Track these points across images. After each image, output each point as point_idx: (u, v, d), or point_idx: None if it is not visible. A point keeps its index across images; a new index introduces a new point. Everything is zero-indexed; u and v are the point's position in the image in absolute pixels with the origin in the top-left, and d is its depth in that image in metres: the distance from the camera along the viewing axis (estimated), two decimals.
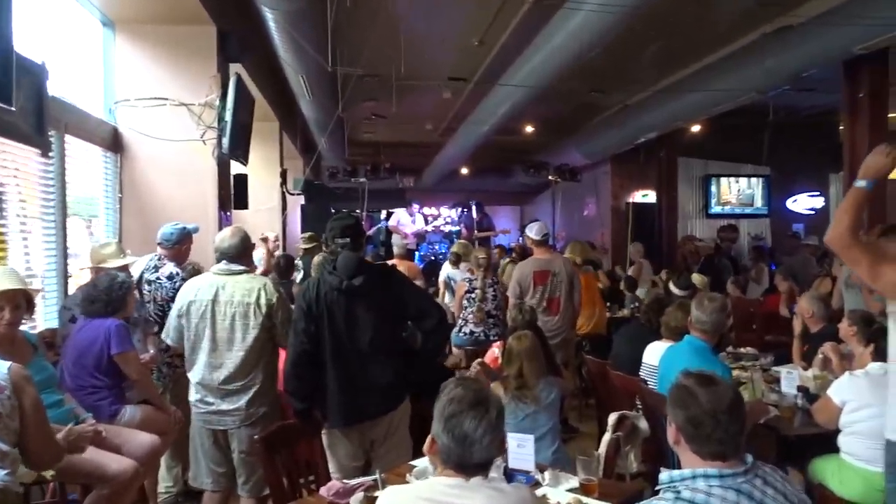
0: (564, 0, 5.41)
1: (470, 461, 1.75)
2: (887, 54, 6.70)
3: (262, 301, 3.24)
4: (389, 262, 7.37)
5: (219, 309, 3.24)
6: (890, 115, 7.69)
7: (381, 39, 7.04)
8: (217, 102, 5.37)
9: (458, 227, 14.21)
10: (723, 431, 1.78)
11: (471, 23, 7.30)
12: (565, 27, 5.61)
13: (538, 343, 3.56)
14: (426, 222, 14.13)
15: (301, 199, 11.00)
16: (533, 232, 5.67)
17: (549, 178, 11.58)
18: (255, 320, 3.23)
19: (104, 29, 5.37)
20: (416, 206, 13.28)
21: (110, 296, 3.46)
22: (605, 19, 5.03)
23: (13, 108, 2.90)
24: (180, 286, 3.96)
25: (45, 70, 3.87)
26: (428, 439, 1.82)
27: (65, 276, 4.44)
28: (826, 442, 3.29)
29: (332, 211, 12.03)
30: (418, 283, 7.02)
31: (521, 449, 2.58)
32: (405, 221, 12.82)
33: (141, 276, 4.11)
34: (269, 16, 5.35)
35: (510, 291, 5.58)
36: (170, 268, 4.13)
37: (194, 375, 3.29)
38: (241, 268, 3.33)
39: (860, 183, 2.42)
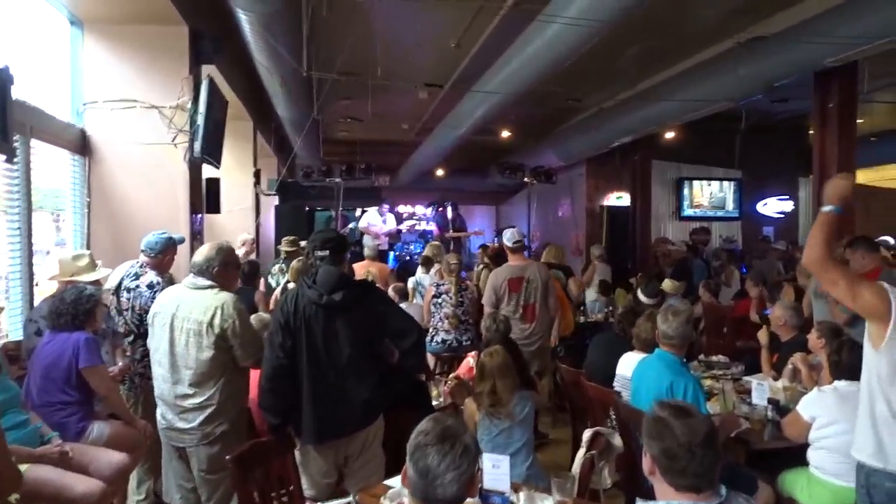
0: (542, 6, 5.41)
1: (434, 496, 1.72)
2: (857, 66, 6.83)
3: (216, 322, 3.17)
4: (361, 264, 7.37)
5: (177, 324, 3.19)
6: (858, 121, 7.86)
7: (358, 41, 6.98)
8: (189, 105, 5.26)
9: (432, 228, 14.19)
10: (697, 465, 1.78)
11: (448, 25, 7.26)
12: (541, 35, 5.61)
13: (510, 358, 3.54)
14: (399, 221, 14.07)
15: (275, 200, 10.88)
16: (506, 238, 5.66)
17: (525, 179, 11.59)
18: (208, 339, 3.16)
19: (72, 28, 5.23)
20: (386, 207, 13.21)
21: (77, 309, 3.38)
22: (580, 31, 5.04)
23: None
24: None
25: (8, 74, 3.75)
26: (403, 469, 1.80)
27: (30, 286, 4.32)
28: (796, 454, 3.34)
29: (307, 209, 11.99)
30: (390, 284, 7.01)
31: (496, 469, 2.57)
32: (375, 222, 12.74)
33: (120, 283, 4.03)
34: (244, 17, 5.25)
35: (485, 300, 5.55)
36: (151, 276, 4.05)
37: (156, 388, 3.25)
38: (207, 283, 3.25)
39: (827, 207, 2.46)
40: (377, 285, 4.20)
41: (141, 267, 4.10)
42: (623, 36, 6.78)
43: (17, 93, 3.89)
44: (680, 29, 7.32)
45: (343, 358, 3.00)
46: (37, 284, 4.39)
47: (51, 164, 4.84)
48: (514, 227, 6.12)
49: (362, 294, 3.12)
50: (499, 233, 14.30)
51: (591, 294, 8.46)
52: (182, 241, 4.38)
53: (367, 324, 3.07)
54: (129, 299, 3.99)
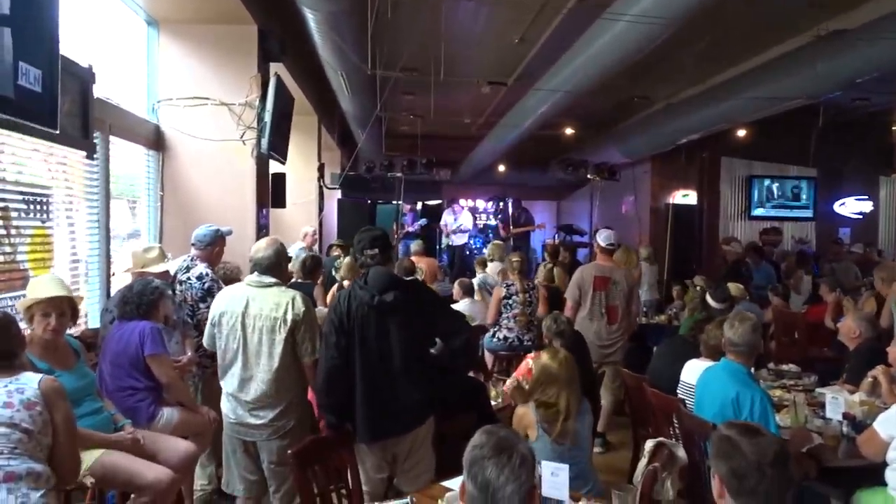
0: (608, 2, 5.29)
1: None
2: None
3: (289, 317, 3.22)
4: (410, 258, 7.40)
5: (248, 322, 3.24)
6: None
7: (422, 38, 6.99)
8: (257, 102, 5.39)
9: (494, 222, 14.14)
10: (768, 484, 1.71)
11: (512, 21, 7.19)
12: (607, 32, 5.48)
13: (576, 366, 3.31)
14: (474, 218, 14.14)
15: (338, 193, 11.06)
16: (601, 238, 5.67)
17: (588, 176, 11.41)
18: (281, 335, 3.22)
19: (148, 28, 5.43)
20: (457, 206, 13.32)
21: (141, 300, 3.52)
22: (646, 29, 4.90)
23: (57, 131, 2.93)
24: (209, 287, 4.03)
25: (90, 73, 3.94)
26: (459, 485, 1.78)
27: (107, 277, 4.53)
28: (874, 471, 3.18)
29: (369, 202, 12.15)
30: (438, 278, 6.99)
31: (554, 478, 2.53)
32: (448, 221, 12.94)
33: (174, 277, 4.17)
34: (310, 16, 5.34)
35: (568, 293, 5.61)
36: (200, 268, 4.18)
37: (227, 386, 3.32)
38: (273, 280, 3.32)
39: None
40: (425, 281, 4.20)
41: (192, 260, 4.23)
42: (692, 30, 6.56)
43: (97, 91, 4.07)
44: (752, 23, 7.02)
45: (395, 358, 3.02)
46: (113, 275, 4.59)
47: (127, 159, 5.04)
48: (610, 228, 6.06)
49: (413, 294, 3.13)
50: (560, 229, 14.14)
51: (643, 293, 8.28)
52: (230, 233, 4.49)
53: (418, 324, 3.08)
54: (181, 292, 4.13)
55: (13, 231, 3.51)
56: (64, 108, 3.28)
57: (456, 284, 6.67)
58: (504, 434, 1.76)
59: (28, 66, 2.34)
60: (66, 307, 2.92)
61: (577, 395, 3.17)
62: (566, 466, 2.53)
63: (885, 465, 3.08)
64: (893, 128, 10.73)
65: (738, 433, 1.78)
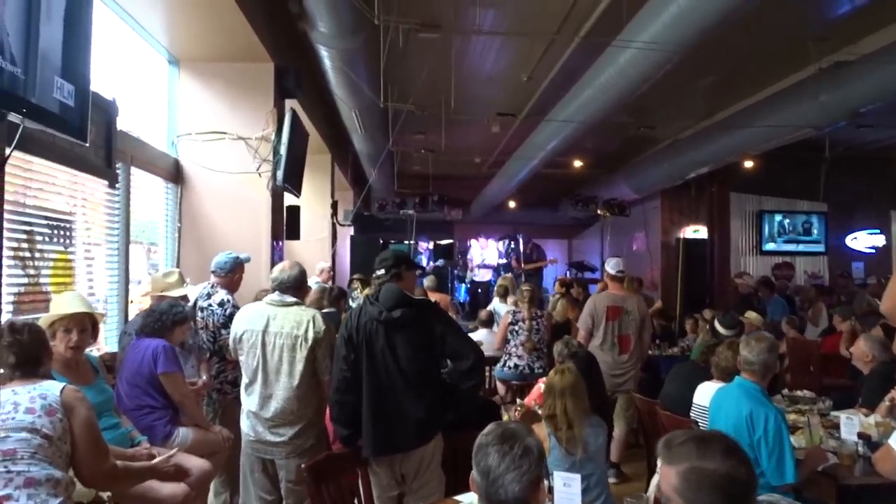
0: (612, 38, 5.46)
1: (496, 497, 1.72)
2: None
3: (310, 334, 3.29)
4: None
5: (269, 339, 3.31)
6: None
7: (432, 75, 7.19)
8: (273, 136, 5.55)
9: (505, 261, 14.24)
10: None
11: (520, 59, 7.40)
12: (614, 63, 5.63)
13: (582, 379, 3.38)
14: (500, 255, 14.34)
15: (351, 230, 11.20)
16: (610, 266, 5.68)
17: (598, 212, 11.49)
18: (301, 353, 3.28)
19: (170, 66, 5.64)
20: (485, 241, 13.54)
21: (163, 319, 3.59)
22: (653, 57, 5.04)
23: (87, 144, 3.07)
24: (231, 313, 4.09)
25: (115, 106, 4.10)
26: (471, 473, 1.82)
27: (126, 302, 4.61)
28: (890, 492, 3.14)
29: (381, 242, 12.29)
30: (451, 314, 7.08)
31: (567, 488, 2.54)
32: (474, 255, 13.15)
33: (195, 304, 4.25)
34: (325, 54, 5.54)
35: (581, 323, 5.61)
36: (221, 295, 4.25)
37: (248, 404, 3.36)
38: (294, 299, 3.40)
39: None
40: None
41: (212, 287, 4.31)
42: (698, 65, 6.74)
43: (121, 124, 4.23)
44: (756, 57, 7.19)
45: (401, 373, 3.05)
46: (131, 302, 4.68)
47: (147, 191, 5.18)
48: (620, 256, 6.10)
49: (422, 312, 3.16)
50: (571, 266, 14.18)
51: None
52: (248, 260, 4.58)
53: (425, 342, 3.10)
54: (203, 318, 4.20)
55: (37, 255, 3.62)
56: (90, 138, 3.42)
57: (480, 314, 6.80)
58: (513, 426, 1.80)
59: (63, 80, 2.47)
60: (87, 323, 3.00)
61: (580, 405, 3.23)
62: (578, 476, 2.54)
63: None
64: None
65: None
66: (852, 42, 6.54)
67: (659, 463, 1.61)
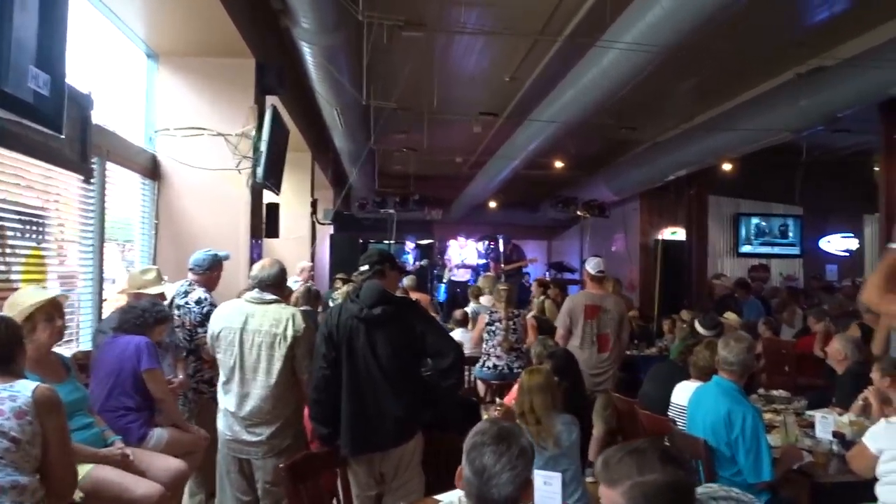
0: (595, 39, 5.48)
1: (489, 496, 1.71)
2: None
3: (289, 332, 3.25)
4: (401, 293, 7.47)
5: (247, 337, 3.26)
6: None
7: (415, 74, 7.17)
8: (253, 133, 5.49)
9: (485, 261, 14.27)
10: None
11: (503, 59, 7.40)
12: (597, 64, 5.66)
13: (553, 378, 3.43)
14: (480, 255, 14.34)
15: (330, 229, 11.13)
16: (590, 266, 5.69)
17: (578, 213, 11.55)
18: (280, 351, 3.24)
19: (148, 60, 5.55)
20: (464, 240, 13.53)
21: (145, 316, 3.53)
22: (636, 58, 5.07)
23: (62, 136, 3.01)
24: (208, 311, 4.04)
25: (90, 100, 4.01)
26: (458, 469, 1.80)
27: (100, 300, 4.53)
28: (864, 489, 3.18)
29: (361, 241, 12.24)
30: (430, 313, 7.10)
31: (547, 487, 2.53)
32: (452, 256, 13.14)
33: (171, 301, 4.19)
34: (307, 50, 5.50)
35: (559, 321, 5.62)
36: (199, 293, 4.20)
37: (225, 403, 3.31)
38: (273, 297, 3.36)
39: (893, 245, 2.38)
40: None
41: (189, 285, 4.25)
42: (679, 68, 6.79)
43: (96, 118, 4.15)
44: (737, 61, 7.27)
45: (379, 372, 3.03)
46: (106, 300, 4.59)
47: (123, 187, 5.10)
48: (599, 256, 6.13)
49: (402, 310, 3.15)
50: (551, 266, 14.24)
51: None
52: (227, 257, 4.53)
53: (406, 340, 3.09)
54: (179, 316, 4.14)
55: (8, 251, 3.53)
56: (65, 131, 3.35)
57: (454, 314, 6.76)
58: (507, 425, 1.80)
59: (38, 70, 2.41)
60: (52, 311, 2.86)
61: (547, 401, 3.30)
62: (559, 475, 2.54)
63: (875, 480, 3.10)
64: (875, 167, 10.97)
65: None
66: (830, 48, 6.63)
67: (601, 487, 1.60)
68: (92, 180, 4.30)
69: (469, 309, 7.40)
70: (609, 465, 1.57)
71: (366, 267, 3.17)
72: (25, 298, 2.85)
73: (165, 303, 4.14)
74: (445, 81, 7.54)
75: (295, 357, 3.28)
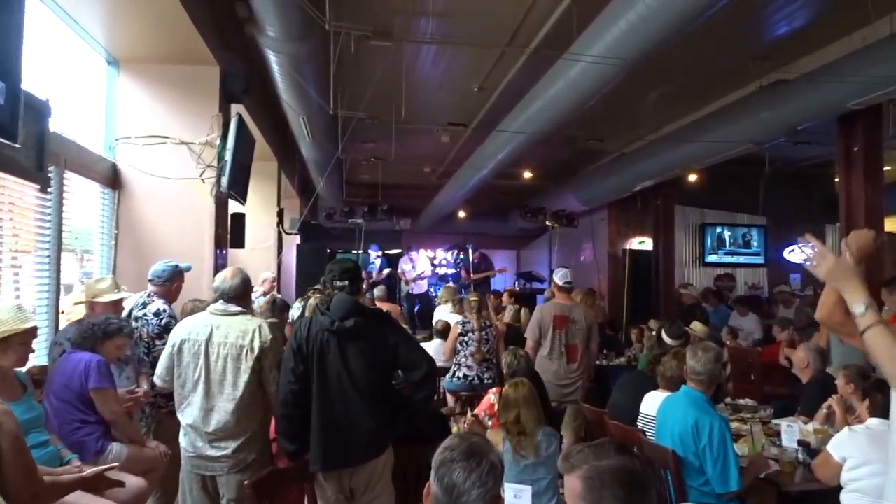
0: (562, 52, 5.52)
1: None
2: (880, 109, 6.81)
3: (256, 343, 3.19)
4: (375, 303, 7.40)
5: (212, 350, 3.18)
6: (885, 169, 7.78)
7: (383, 83, 7.14)
8: (217, 141, 5.39)
9: (454, 270, 14.24)
10: None
11: (472, 69, 7.41)
12: (564, 76, 5.69)
13: (535, 390, 3.52)
14: (432, 265, 14.27)
15: (297, 239, 11.00)
16: (558, 277, 5.74)
17: (547, 223, 11.61)
18: (247, 363, 3.17)
19: (108, 67, 5.42)
20: (413, 253, 13.43)
21: (94, 330, 3.41)
22: (602, 71, 5.11)
23: (18, 145, 2.90)
24: (167, 323, 3.95)
25: (47, 107, 3.89)
26: (426, 486, 1.76)
27: (56, 312, 4.38)
28: (829, 497, 3.21)
29: (329, 251, 12.13)
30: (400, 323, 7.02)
31: (518, 500, 2.51)
32: (406, 269, 13.06)
33: (130, 313, 4.08)
34: (273, 59, 5.42)
35: (528, 332, 5.65)
36: (158, 305, 4.11)
37: (186, 418, 3.21)
38: (238, 309, 3.29)
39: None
40: None
41: (149, 296, 4.16)
42: (645, 81, 6.89)
43: (54, 125, 4.02)
44: (701, 74, 7.40)
45: (352, 385, 2.99)
46: (62, 312, 4.45)
47: (81, 196, 4.95)
48: (567, 267, 6.17)
49: (374, 322, 3.11)
50: (519, 276, 14.27)
51: None
52: (189, 269, 4.44)
53: (378, 352, 3.05)
54: (138, 328, 4.04)
55: None
56: (20, 139, 3.23)
57: (435, 324, 6.81)
58: (476, 440, 1.76)
59: None
60: (29, 338, 2.85)
61: (534, 413, 3.43)
62: (528, 488, 2.52)
63: (840, 488, 3.13)
64: (836, 179, 11.26)
65: None
66: (791, 62, 6.79)
67: (564, 479, 1.63)
68: (49, 189, 4.16)
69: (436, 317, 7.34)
70: (570, 456, 1.62)
71: (346, 283, 3.11)
72: (4, 317, 2.76)
73: (123, 314, 4.03)
74: (413, 91, 7.52)
75: (262, 369, 3.20)
